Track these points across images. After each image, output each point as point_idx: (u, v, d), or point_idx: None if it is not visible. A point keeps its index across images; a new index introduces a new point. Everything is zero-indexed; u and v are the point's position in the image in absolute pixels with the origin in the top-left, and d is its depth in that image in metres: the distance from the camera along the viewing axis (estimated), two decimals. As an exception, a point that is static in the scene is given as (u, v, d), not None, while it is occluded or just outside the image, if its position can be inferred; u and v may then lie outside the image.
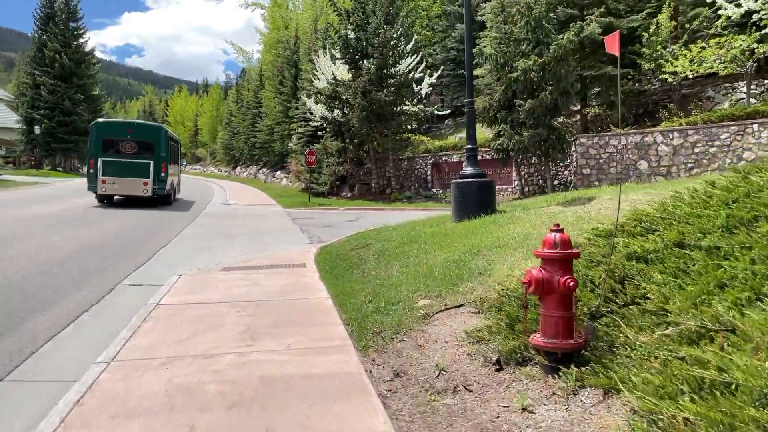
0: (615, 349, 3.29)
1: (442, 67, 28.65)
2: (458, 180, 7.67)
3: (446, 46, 32.80)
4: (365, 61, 23.27)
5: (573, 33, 15.51)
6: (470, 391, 3.41)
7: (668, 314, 3.22)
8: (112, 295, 6.52)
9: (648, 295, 3.56)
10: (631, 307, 3.58)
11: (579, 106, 20.94)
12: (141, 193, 18.03)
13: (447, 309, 4.70)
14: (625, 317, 3.50)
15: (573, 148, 17.72)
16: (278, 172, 43.26)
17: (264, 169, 48.96)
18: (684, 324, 3.03)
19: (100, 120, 21.00)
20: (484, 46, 19.00)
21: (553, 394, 3.14)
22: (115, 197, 18.87)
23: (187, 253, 9.61)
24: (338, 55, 26.01)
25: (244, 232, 12.90)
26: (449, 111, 29.69)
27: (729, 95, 17.70)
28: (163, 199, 18.99)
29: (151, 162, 18.02)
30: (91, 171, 17.81)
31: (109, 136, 18.20)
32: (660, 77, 17.14)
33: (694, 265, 3.53)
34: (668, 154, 15.56)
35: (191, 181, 38.71)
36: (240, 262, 8.57)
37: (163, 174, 18.34)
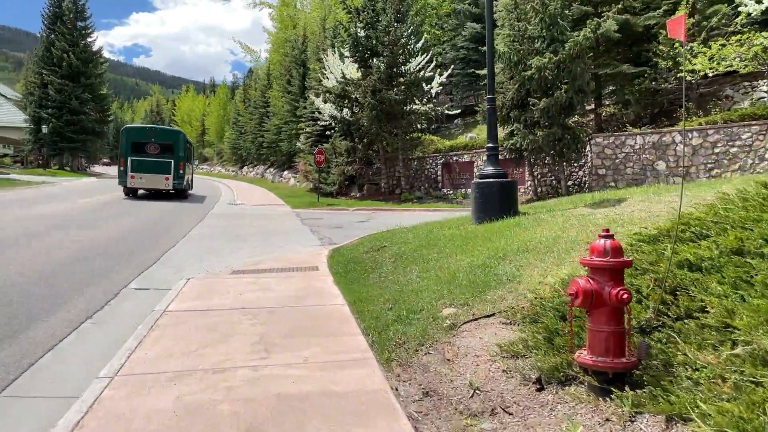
0: (672, 369, 2.96)
1: (452, 66, 28.26)
2: (478, 180, 7.29)
3: (456, 45, 32.45)
4: (375, 60, 22.94)
5: (590, 30, 15.12)
6: (510, 414, 3.08)
7: (734, 330, 2.88)
8: (118, 300, 6.23)
9: (706, 308, 3.21)
10: (686, 321, 3.23)
11: (593, 105, 20.54)
12: (163, 187, 20.80)
13: (475, 319, 4.37)
14: (681, 332, 3.16)
15: (588, 148, 17.34)
16: (286, 172, 43.01)
17: (271, 169, 48.73)
18: (756, 342, 2.68)
19: (129, 125, 24.57)
20: (497, 44, 18.60)
21: (607, 420, 2.80)
22: (139, 191, 21.47)
23: (194, 255, 9.33)
24: (347, 54, 25.69)
25: (253, 233, 12.61)
26: (459, 111, 29.31)
27: (749, 94, 17.25)
28: (180, 193, 21.93)
29: (172, 161, 20.77)
30: (122, 168, 20.55)
31: (136, 139, 20.91)
32: (678, 75, 16.70)
33: (757, 275, 3.18)
34: (687, 154, 15.15)
35: (199, 180, 38.46)
36: (250, 265, 8.27)
37: (181, 171, 21.06)
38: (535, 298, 4.31)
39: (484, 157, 21.60)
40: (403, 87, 21.91)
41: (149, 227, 12.82)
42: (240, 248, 10.29)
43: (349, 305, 5.59)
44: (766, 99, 16.26)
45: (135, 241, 10.49)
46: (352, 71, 24.33)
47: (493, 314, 4.37)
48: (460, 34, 32.05)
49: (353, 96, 22.54)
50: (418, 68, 23.56)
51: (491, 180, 7.12)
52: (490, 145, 7.51)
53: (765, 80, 16.52)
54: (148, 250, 9.56)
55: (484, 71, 25.38)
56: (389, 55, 21.83)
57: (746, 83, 17.48)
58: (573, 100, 15.97)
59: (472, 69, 30.07)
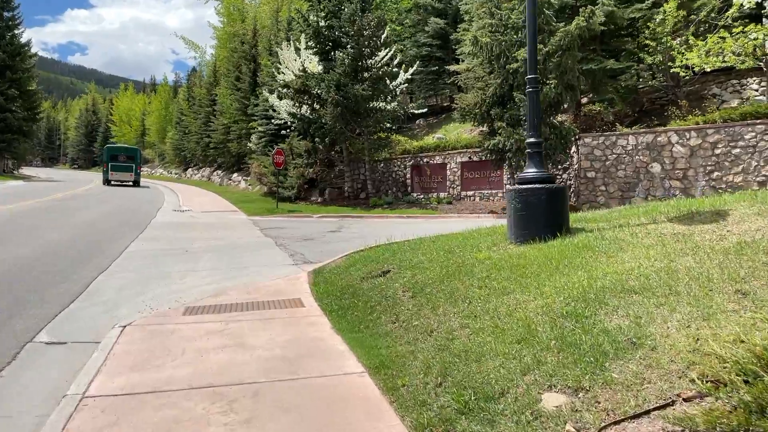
0: None
1: (418, 62, 26.68)
2: (519, 186, 5.51)
3: (418, 42, 30.96)
4: (337, 52, 21.03)
5: (583, 19, 13.78)
6: None
7: None
8: (15, 368, 4.18)
9: None
10: None
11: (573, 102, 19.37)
12: (128, 179, 34.31)
13: (616, 422, 2.63)
14: None
15: (574, 149, 16.07)
16: (235, 175, 40.37)
17: (219, 171, 45.88)
18: None
19: (109, 145, 41.59)
20: (473, 35, 17.08)
21: None
22: (112, 182, 34.06)
23: (133, 282, 7.24)
24: (303, 47, 23.70)
25: (207, 249, 10.52)
26: (425, 110, 27.76)
27: (738, 92, 16.41)
28: (136, 184, 34.44)
29: (133, 165, 34.69)
30: (105, 169, 34.47)
31: (113, 153, 35.22)
32: (672, 71, 15.63)
33: None
34: (684, 155, 14.04)
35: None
36: (209, 297, 6.31)
37: (139, 171, 35.28)
38: (711, 384, 2.63)
39: (458, 159, 20.22)
40: (369, 82, 20.06)
41: (77, 240, 10.49)
42: (193, 270, 8.25)
43: (370, 374, 3.76)
44: (758, 97, 15.41)
45: (56, 261, 8.24)
46: (312, 65, 22.33)
47: (646, 412, 2.64)
48: (422, 30, 30.57)
49: (314, 91, 20.52)
50: (383, 63, 21.79)
51: (536, 186, 5.38)
52: (532, 140, 5.74)
53: (755, 78, 15.69)
54: (72, 275, 7.39)
55: (455, 67, 23.94)
56: (355, 46, 19.95)
57: (734, 81, 16.65)
58: (562, 96, 14.64)
59: (437, 66, 28.67)
